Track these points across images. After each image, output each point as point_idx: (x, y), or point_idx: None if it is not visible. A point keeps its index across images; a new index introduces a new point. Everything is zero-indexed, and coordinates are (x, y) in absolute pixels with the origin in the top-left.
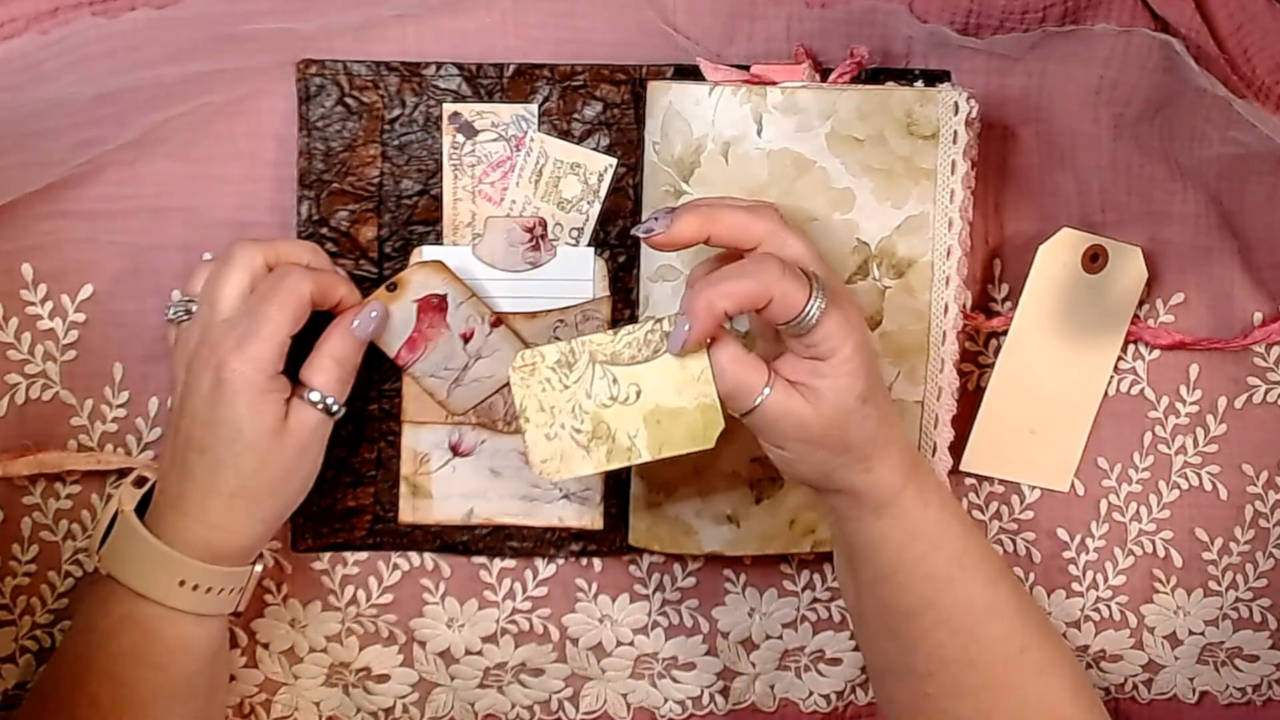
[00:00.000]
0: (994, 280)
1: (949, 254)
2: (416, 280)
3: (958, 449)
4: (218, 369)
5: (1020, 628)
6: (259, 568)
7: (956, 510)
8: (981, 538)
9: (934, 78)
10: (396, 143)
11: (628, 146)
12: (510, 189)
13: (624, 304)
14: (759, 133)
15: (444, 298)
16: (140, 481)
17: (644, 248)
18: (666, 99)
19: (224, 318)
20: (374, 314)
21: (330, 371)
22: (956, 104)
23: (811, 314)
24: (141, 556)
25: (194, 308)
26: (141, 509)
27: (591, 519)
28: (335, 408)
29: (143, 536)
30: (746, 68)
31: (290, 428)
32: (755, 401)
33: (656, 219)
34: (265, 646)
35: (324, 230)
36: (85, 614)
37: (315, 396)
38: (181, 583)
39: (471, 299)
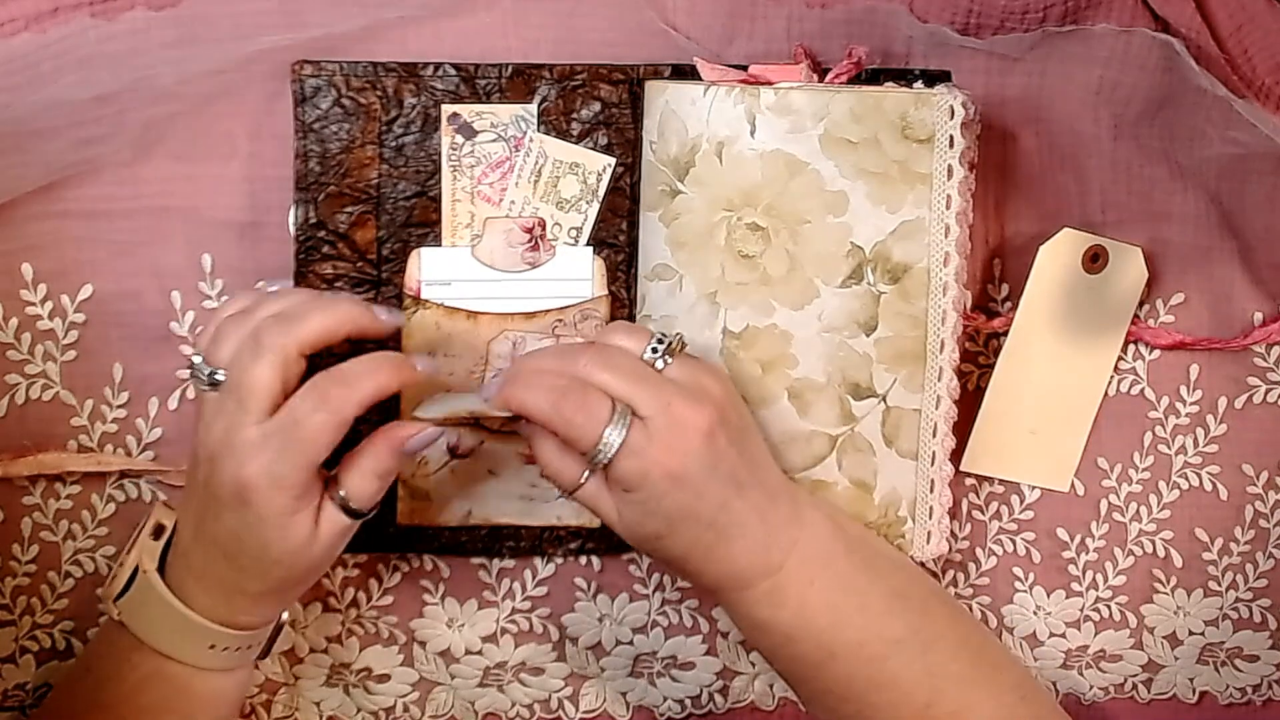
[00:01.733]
0: (994, 280)
1: (946, 261)
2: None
3: (958, 450)
4: (243, 490)
5: (923, 685)
6: (286, 614)
7: (829, 599)
8: (872, 612)
9: (934, 78)
10: (394, 144)
11: (626, 146)
12: (509, 189)
13: (622, 303)
14: (752, 133)
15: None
16: (158, 531)
17: (641, 246)
18: (663, 98)
19: (253, 423)
20: (426, 438)
21: (370, 484)
22: (952, 108)
23: (605, 453)
24: (169, 622)
25: (220, 378)
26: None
27: (589, 517)
28: (366, 516)
29: (169, 602)
30: (745, 68)
31: (320, 534)
32: (570, 488)
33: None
34: None
35: (321, 233)
36: (106, 660)
37: (353, 505)
38: (212, 646)
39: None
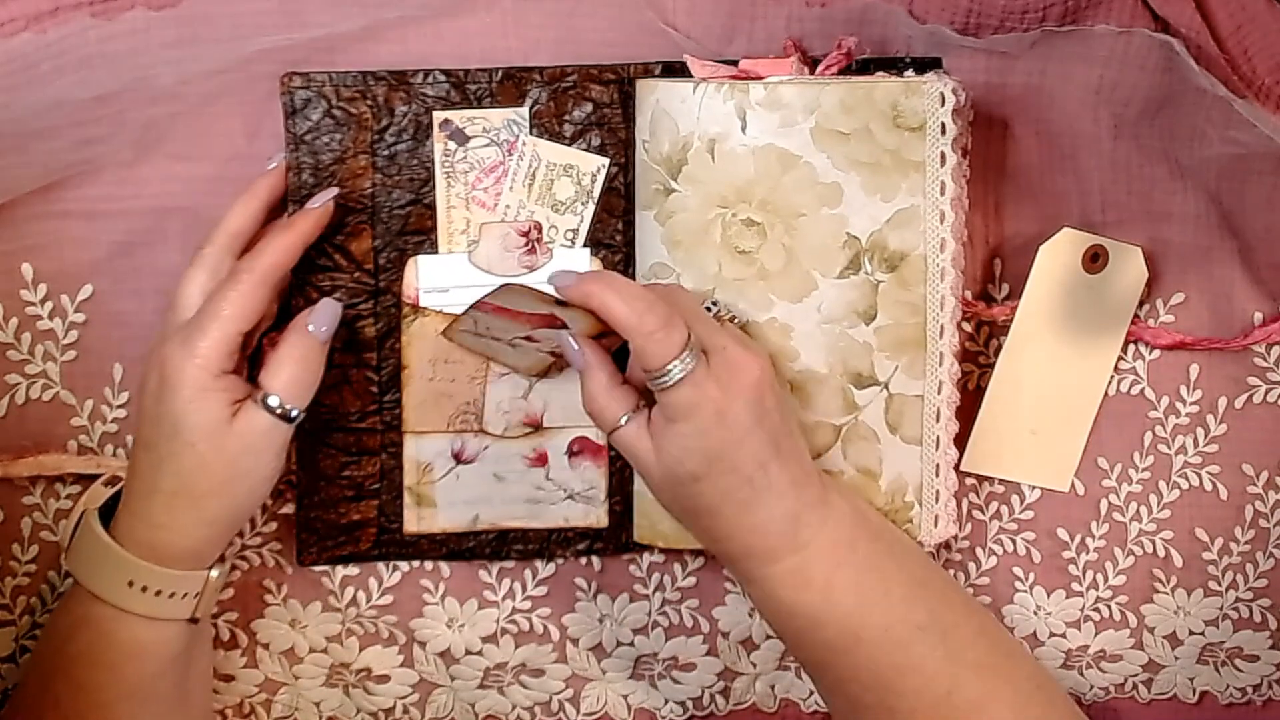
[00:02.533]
0: (994, 280)
1: (942, 247)
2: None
3: (960, 445)
4: (162, 365)
5: (945, 672)
6: (215, 573)
7: (856, 582)
8: (896, 597)
9: (925, 66)
10: (387, 153)
11: (619, 146)
12: (504, 193)
13: None
14: (743, 129)
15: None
16: (113, 481)
17: (638, 245)
18: (654, 97)
19: (183, 319)
20: (332, 311)
21: (287, 373)
22: (943, 95)
23: (670, 377)
24: (94, 555)
25: None
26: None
27: (597, 518)
28: (294, 413)
29: (96, 535)
30: (736, 63)
31: (236, 428)
32: (612, 423)
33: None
34: (265, 647)
35: (317, 244)
36: (53, 614)
37: (273, 401)
38: (130, 583)
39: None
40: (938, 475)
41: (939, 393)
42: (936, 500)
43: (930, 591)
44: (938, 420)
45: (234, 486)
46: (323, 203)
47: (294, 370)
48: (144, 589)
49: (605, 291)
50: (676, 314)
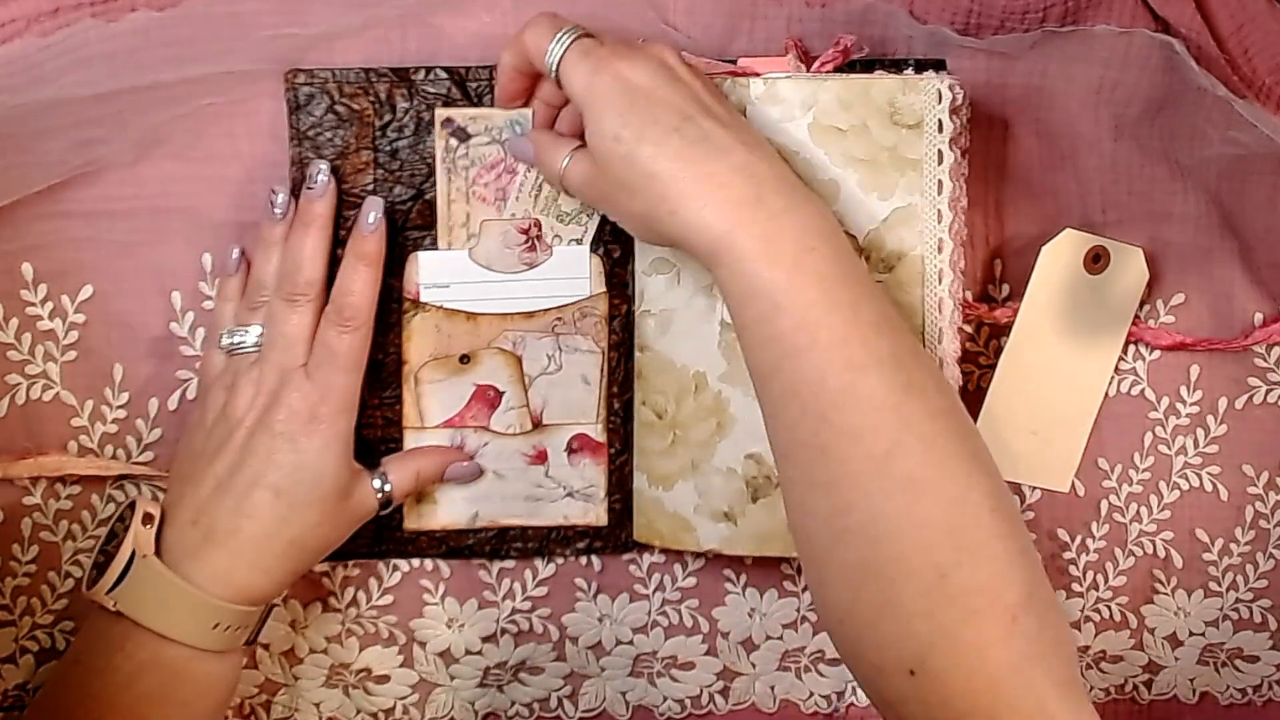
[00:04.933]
0: (995, 281)
1: (940, 247)
2: (489, 365)
3: None
4: (312, 416)
5: (890, 429)
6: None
7: (825, 275)
8: (864, 319)
9: (926, 67)
10: (388, 149)
11: None
12: (509, 202)
13: (621, 299)
14: None
15: (501, 395)
16: (147, 518)
17: (638, 244)
18: None
19: (301, 363)
20: (470, 471)
21: (409, 481)
22: (940, 92)
23: (550, 59)
24: (170, 601)
25: (258, 337)
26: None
27: (596, 515)
28: (387, 507)
29: (171, 581)
30: (735, 62)
31: (354, 497)
32: (557, 170)
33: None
34: (265, 647)
35: None
36: (98, 653)
37: (386, 487)
38: (215, 625)
39: (523, 407)
40: None
41: None
42: None
43: (901, 339)
44: None
45: (330, 546)
46: (377, 217)
47: (413, 482)
48: (227, 629)
49: (503, 58)
50: (543, 18)
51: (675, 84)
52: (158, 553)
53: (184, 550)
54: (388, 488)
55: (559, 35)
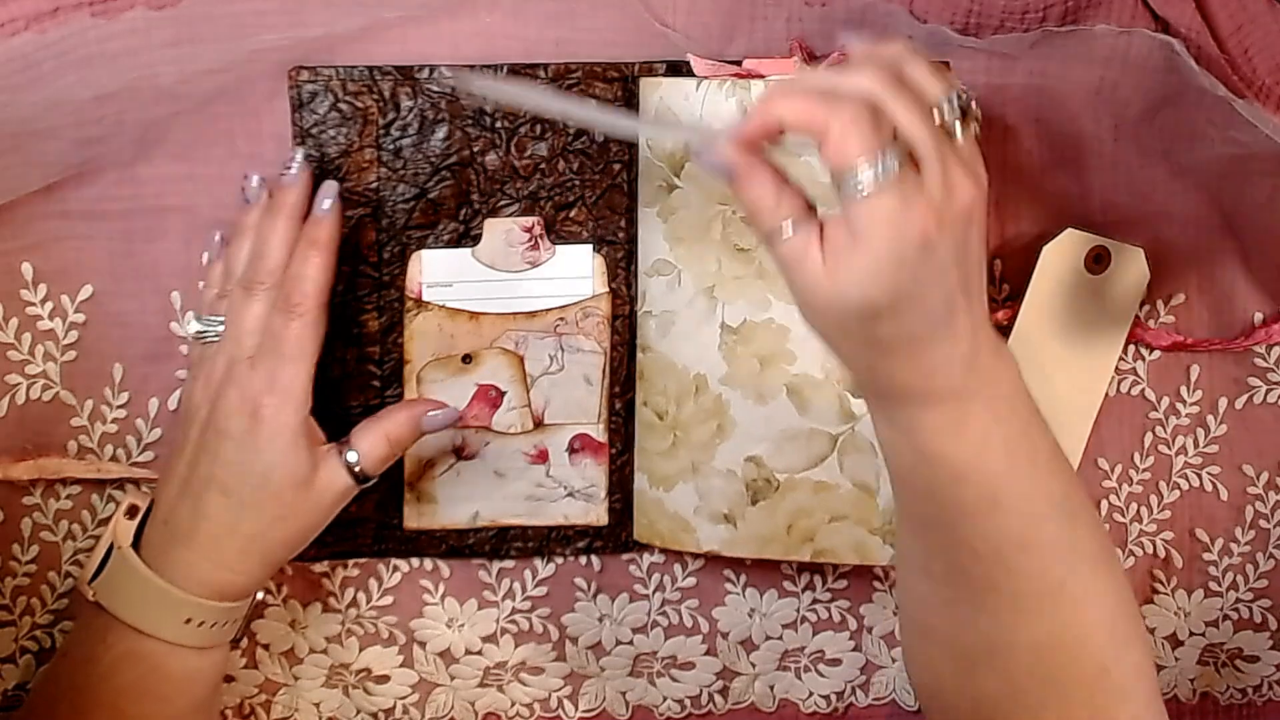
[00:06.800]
0: (995, 281)
1: None
2: (491, 364)
3: None
4: (255, 409)
5: (1065, 560)
6: (259, 594)
7: (1010, 442)
8: (1041, 468)
9: None
10: (392, 147)
11: (622, 143)
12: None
13: (623, 299)
14: None
15: (503, 395)
16: (132, 511)
17: (641, 242)
18: (657, 94)
19: (248, 354)
20: (446, 416)
21: (380, 447)
22: None
23: (859, 182)
24: (144, 595)
25: (220, 325)
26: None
27: (597, 515)
28: (367, 480)
29: (145, 575)
30: (740, 63)
31: (318, 483)
32: (770, 228)
33: (704, 151)
34: (265, 647)
35: None
36: (82, 644)
37: (353, 458)
38: (188, 620)
39: (525, 407)
40: None
41: None
42: None
43: (1064, 469)
44: None
45: (304, 536)
46: (332, 203)
47: (384, 447)
48: (200, 624)
49: (791, 95)
50: (881, 99)
51: (968, 255)
52: (140, 547)
53: (158, 546)
54: (352, 457)
55: (885, 153)
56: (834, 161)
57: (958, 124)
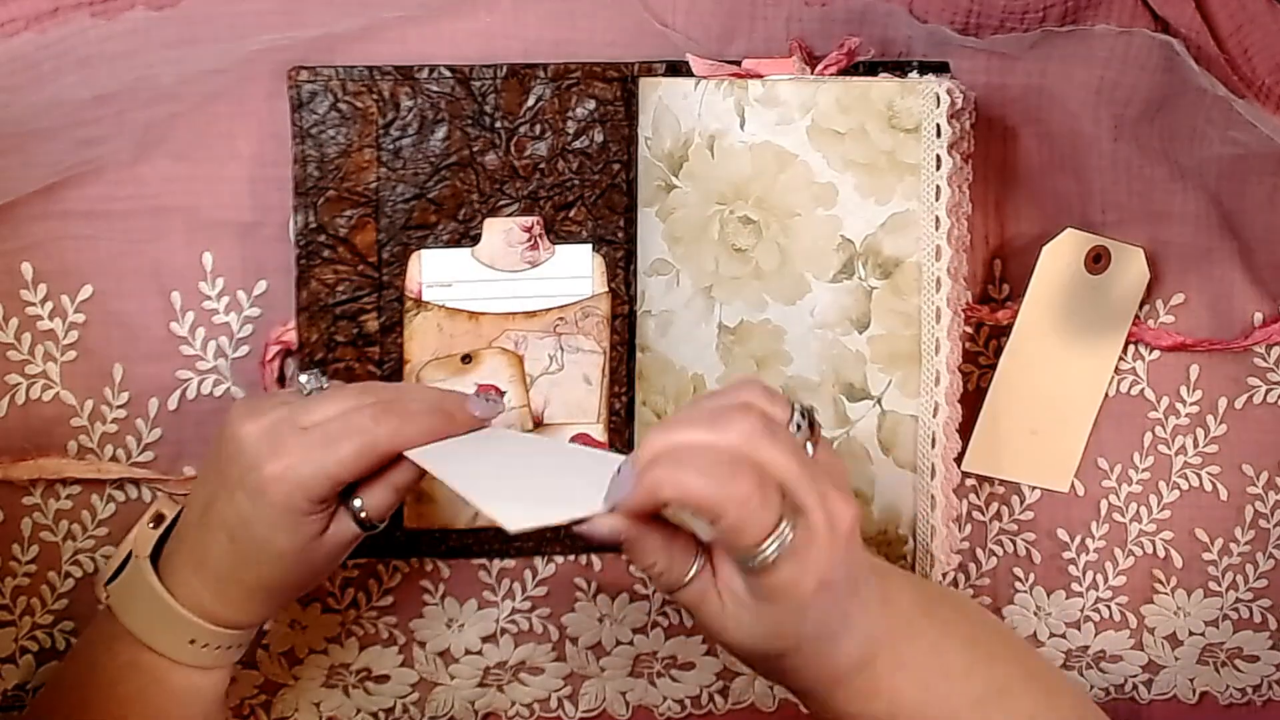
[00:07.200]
0: (995, 281)
1: (938, 254)
2: (490, 364)
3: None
4: (264, 481)
5: None
6: (268, 624)
7: (918, 676)
8: (956, 675)
9: (930, 69)
10: (392, 147)
11: (622, 143)
12: None
13: (622, 299)
14: (742, 125)
15: (502, 395)
16: (158, 519)
17: (640, 242)
18: (656, 94)
19: (303, 425)
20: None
21: (387, 497)
22: (938, 96)
23: (765, 556)
24: (152, 610)
25: (323, 385)
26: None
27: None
28: (374, 528)
29: (155, 591)
30: (739, 63)
31: (325, 540)
32: (666, 585)
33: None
34: (265, 647)
35: (322, 237)
36: (91, 648)
37: (358, 505)
38: (191, 641)
39: (524, 407)
40: (933, 508)
41: (934, 416)
42: (932, 537)
43: (979, 652)
44: (933, 446)
45: (310, 581)
46: (481, 415)
47: (390, 495)
48: (204, 645)
49: (675, 473)
50: (766, 475)
51: (852, 566)
52: (161, 556)
53: (174, 563)
54: (361, 508)
55: (782, 526)
56: (736, 545)
57: (809, 445)
